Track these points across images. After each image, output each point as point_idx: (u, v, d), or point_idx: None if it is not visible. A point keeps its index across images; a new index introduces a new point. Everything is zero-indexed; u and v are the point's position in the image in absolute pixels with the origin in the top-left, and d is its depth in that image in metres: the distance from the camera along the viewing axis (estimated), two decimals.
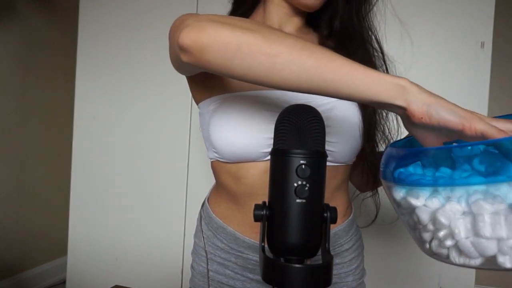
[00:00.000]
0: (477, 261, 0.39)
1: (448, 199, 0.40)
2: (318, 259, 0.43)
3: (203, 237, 0.79)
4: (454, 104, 0.43)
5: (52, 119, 2.26)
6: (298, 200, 0.41)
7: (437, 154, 0.44)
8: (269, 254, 0.43)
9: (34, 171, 2.17)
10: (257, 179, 0.69)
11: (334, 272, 0.76)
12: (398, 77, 0.45)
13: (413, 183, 0.42)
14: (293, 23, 0.77)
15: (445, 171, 0.43)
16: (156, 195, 1.62)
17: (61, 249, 2.19)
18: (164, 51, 1.75)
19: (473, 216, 0.38)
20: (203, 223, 0.80)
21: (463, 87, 1.30)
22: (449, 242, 0.40)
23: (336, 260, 0.77)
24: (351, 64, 0.45)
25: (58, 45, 2.24)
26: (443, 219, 0.39)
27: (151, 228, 1.63)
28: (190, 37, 0.48)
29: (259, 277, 0.74)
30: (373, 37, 0.76)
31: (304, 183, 0.41)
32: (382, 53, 0.76)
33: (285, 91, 0.68)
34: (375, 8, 0.76)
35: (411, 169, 0.45)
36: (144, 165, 1.64)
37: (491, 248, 0.38)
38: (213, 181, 0.85)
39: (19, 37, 2.02)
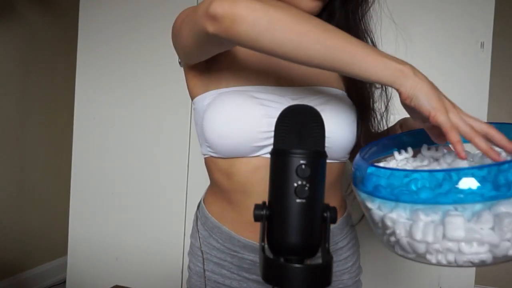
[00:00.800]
0: (412, 256, 0.49)
1: (396, 206, 0.48)
2: (318, 258, 0.43)
3: (199, 237, 0.79)
4: (436, 94, 0.50)
5: (52, 119, 2.26)
6: (298, 200, 0.41)
7: (393, 175, 0.50)
8: (269, 254, 0.43)
9: (34, 171, 2.17)
10: (249, 176, 0.69)
11: None
12: (403, 62, 0.52)
13: (370, 193, 0.50)
14: None
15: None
16: (156, 195, 1.62)
17: (61, 249, 2.19)
18: (165, 51, 1.75)
19: (412, 222, 0.47)
20: (199, 223, 0.81)
21: (463, 87, 1.30)
22: (393, 239, 0.50)
23: None
24: (365, 49, 0.51)
25: (58, 45, 2.24)
26: (388, 222, 0.49)
27: (151, 228, 1.63)
28: (224, 7, 0.49)
29: (255, 277, 0.74)
30: (369, 40, 0.77)
31: (304, 183, 0.41)
32: None
33: (280, 86, 0.69)
34: (371, 9, 0.77)
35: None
36: (144, 165, 1.64)
37: (421, 248, 0.47)
38: None
39: (19, 37, 2.02)
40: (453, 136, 0.47)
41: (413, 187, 0.46)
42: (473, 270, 1.31)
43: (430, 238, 0.45)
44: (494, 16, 1.26)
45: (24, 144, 2.10)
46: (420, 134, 0.64)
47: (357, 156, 0.56)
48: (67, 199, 1.75)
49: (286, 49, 0.51)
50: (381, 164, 0.58)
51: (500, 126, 0.61)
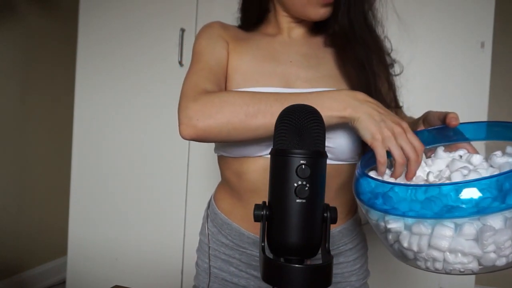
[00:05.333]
0: (403, 259, 0.52)
1: (386, 217, 0.50)
2: (318, 259, 0.43)
3: (208, 233, 0.80)
4: (374, 124, 0.56)
5: (52, 119, 2.25)
6: (298, 200, 0.41)
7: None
8: (269, 254, 0.43)
9: (34, 171, 2.17)
10: (258, 176, 0.70)
11: (338, 271, 0.77)
12: (343, 106, 0.58)
13: (361, 201, 0.53)
14: (301, 28, 0.80)
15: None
16: (156, 195, 1.62)
17: (61, 249, 2.19)
18: (165, 51, 1.75)
19: (400, 231, 0.49)
20: (209, 220, 0.82)
21: (463, 87, 1.30)
22: (386, 243, 0.54)
23: (340, 259, 0.77)
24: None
25: (58, 45, 2.24)
26: (381, 228, 0.51)
27: (151, 228, 1.63)
28: (189, 133, 0.62)
29: None
30: (374, 36, 0.76)
31: (304, 183, 0.40)
32: (383, 51, 0.77)
33: (287, 88, 0.70)
34: (379, 8, 0.76)
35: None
36: (144, 165, 1.64)
37: (409, 255, 0.49)
38: (213, 180, 0.85)
39: (19, 37, 2.02)
40: (381, 170, 0.56)
41: (402, 205, 0.47)
42: None
43: (415, 248, 0.47)
44: (494, 16, 1.26)
45: (24, 144, 2.10)
46: (440, 131, 0.63)
47: (358, 170, 0.57)
48: (67, 199, 1.75)
49: (242, 137, 0.62)
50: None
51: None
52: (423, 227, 0.46)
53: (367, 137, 0.56)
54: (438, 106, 1.31)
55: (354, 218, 0.80)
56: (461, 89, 1.30)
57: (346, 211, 0.77)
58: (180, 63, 1.55)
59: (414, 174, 0.55)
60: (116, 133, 1.68)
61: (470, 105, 1.28)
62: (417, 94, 1.24)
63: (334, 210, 0.43)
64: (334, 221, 0.43)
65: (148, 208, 1.63)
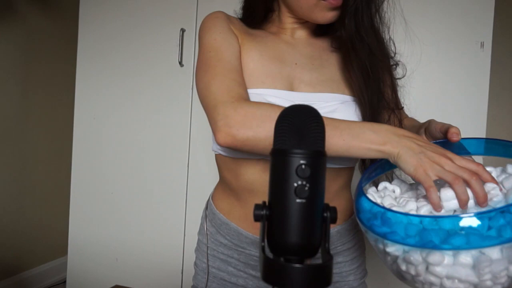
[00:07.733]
0: (401, 279, 0.53)
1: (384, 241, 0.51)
2: (318, 258, 0.43)
3: (206, 234, 0.80)
4: (414, 157, 0.53)
5: (52, 119, 2.26)
6: (298, 200, 0.41)
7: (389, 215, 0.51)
8: (269, 253, 0.43)
9: (34, 171, 2.17)
10: (257, 177, 0.70)
11: (336, 270, 0.77)
12: (382, 139, 0.56)
13: (367, 227, 0.52)
14: (304, 30, 0.80)
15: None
16: (157, 195, 1.62)
17: (61, 249, 2.19)
18: (165, 51, 1.75)
19: (398, 255, 0.50)
20: (207, 220, 0.82)
21: (463, 87, 1.30)
22: (384, 262, 0.54)
23: (338, 259, 0.78)
24: (346, 139, 0.58)
25: (58, 45, 2.24)
26: (379, 248, 0.52)
27: (151, 228, 1.63)
28: (226, 141, 0.60)
29: None
30: (380, 42, 0.75)
31: (304, 183, 0.40)
32: (388, 56, 0.76)
33: (292, 91, 0.70)
34: (387, 11, 0.75)
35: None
36: (144, 165, 1.64)
37: (407, 277, 0.50)
38: (213, 180, 0.85)
39: (19, 37, 2.02)
40: (431, 195, 0.50)
41: (400, 227, 0.47)
42: None
43: (413, 272, 0.48)
44: (494, 16, 1.26)
45: (24, 144, 2.10)
46: (442, 145, 0.61)
47: (358, 191, 0.56)
48: (67, 199, 1.75)
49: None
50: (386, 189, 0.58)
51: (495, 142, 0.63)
52: (422, 253, 0.47)
53: (410, 171, 0.53)
54: (438, 106, 1.31)
55: (352, 218, 0.80)
56: (461, 89, 1.30)
57: (344, 213, 0.78)
58: (180, 63, 1.56)
59: (484, 194, 0.49)
60: (116, 133, 1.68)
61: (470, 105, 1.29)
62: (417, 94, 1.24)
63: (334, 210, 0.43)
64: (334, 221, 0.43)
65: (148, 208, 1.63)
